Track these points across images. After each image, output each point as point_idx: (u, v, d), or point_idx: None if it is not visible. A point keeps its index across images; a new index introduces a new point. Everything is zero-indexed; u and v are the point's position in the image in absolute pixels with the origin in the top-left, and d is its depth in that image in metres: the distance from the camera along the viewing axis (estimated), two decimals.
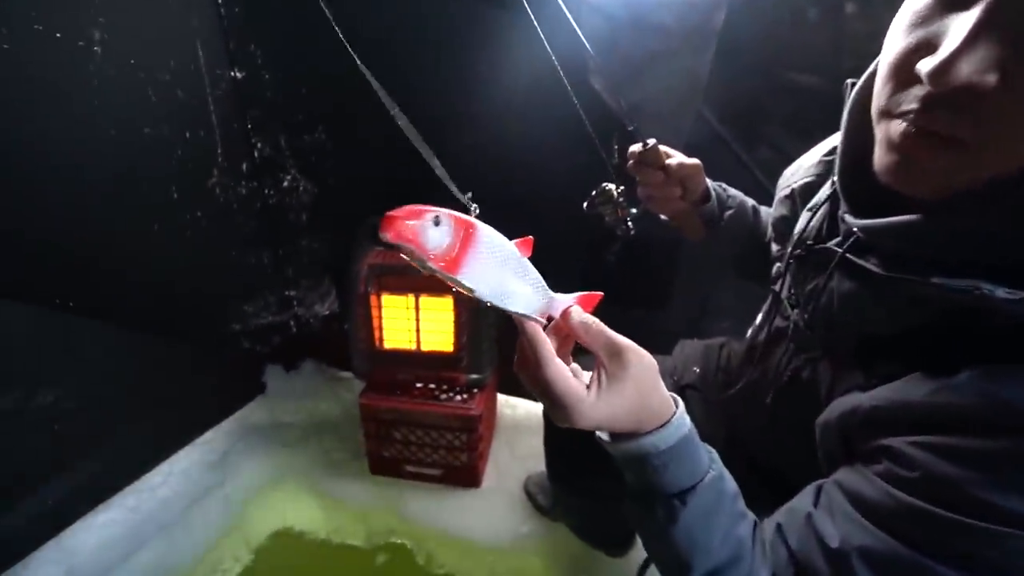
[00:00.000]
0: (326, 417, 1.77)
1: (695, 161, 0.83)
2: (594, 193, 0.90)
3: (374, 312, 1.41)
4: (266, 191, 1.55)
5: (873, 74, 0.51)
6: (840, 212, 0.58)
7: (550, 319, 0.49)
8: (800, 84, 1.09)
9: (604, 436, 0.52)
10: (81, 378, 1.28)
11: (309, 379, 1.88)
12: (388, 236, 0.38)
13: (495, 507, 1.47)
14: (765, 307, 0.79)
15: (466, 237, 0.40)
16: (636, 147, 0.82)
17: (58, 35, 1.04)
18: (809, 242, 0.64)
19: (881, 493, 0.46)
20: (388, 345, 1.45)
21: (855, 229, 0.54)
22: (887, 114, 0.47)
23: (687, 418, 0.51)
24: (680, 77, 1.17)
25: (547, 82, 1.24)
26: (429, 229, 0.39)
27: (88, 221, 1.19)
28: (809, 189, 0.70)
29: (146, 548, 1.31)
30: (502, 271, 0.43)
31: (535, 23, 0.81)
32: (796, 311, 0.68)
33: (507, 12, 1.24)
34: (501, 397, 1.77)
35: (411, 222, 0.38)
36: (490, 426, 1.62)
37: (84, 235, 1.19)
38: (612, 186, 0.89)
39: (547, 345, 0.46)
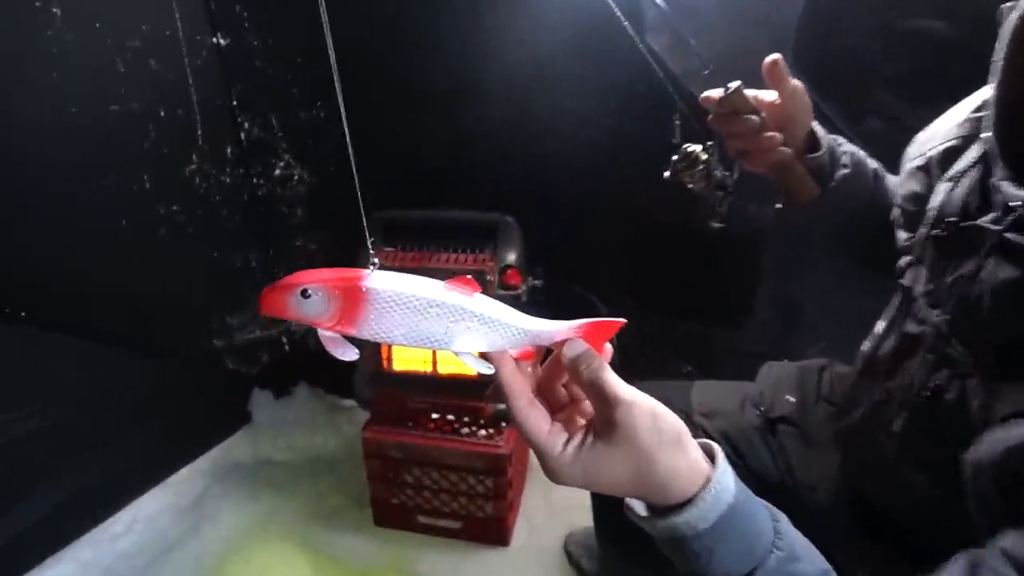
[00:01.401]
0: (322, 454, 1.76)
1: (794, 83, 0.75)
2: (675, 157, 0.86)
3: None
4: (255, 180, 1.56)
5: None
6: (994, 180, 0.54)
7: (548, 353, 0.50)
8: (920, 32, 1.03)
9: (635, 507, 0.48)
10: (31, 401, 1.28)
11: (303, 407, 1.87)
12: (263, 309, 0.43)
13: (527, 570, 1.43)
14: (891, 309, 0.73)
15: (350, 297, 0.43)
16: (714, 92, 0.76)
17: None
18: (952, 220, 0.59)
19: None
20: (398, 367, 1.43)
21: (1018, 202, 0.50)
22: None
23: (730, 482, 0.45)
24: (759, 30, 1.13)
25: (595, 43, 1.27)
26: (300, 303, 0.43)
27: (40, 215, 1.19)
28: (951, 156, 0.65)
29: None
30: (420, 316, 0.45)
31: None
32: (937, 312, 0.63)
33: None
34: None
35: (282, 297, 0.43)
36: (522, 469, 1.58)
37: (34, 232, 1.19)
38: (698, 147, 0.85)
39: (515, 380, 0.46)
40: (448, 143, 1.48)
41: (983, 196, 0.57)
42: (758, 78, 0.77)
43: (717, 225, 0.96)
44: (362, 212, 0.59)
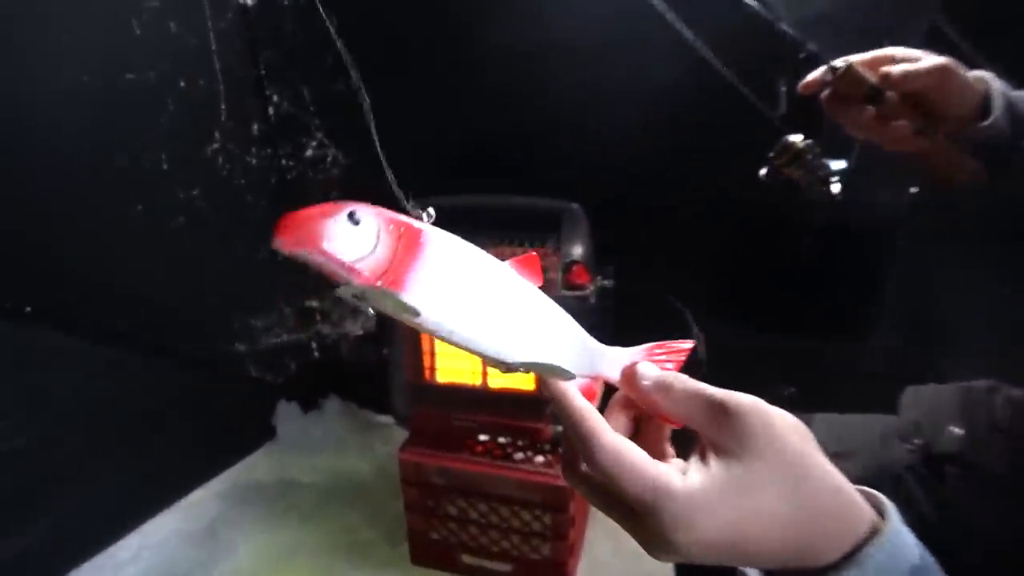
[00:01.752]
0: (353, 477, 1.72)
1: (934, 65, 0.66)
2: (772, 154, 0.80)
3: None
4: (283, 161, 1.54)
5: None
6: None
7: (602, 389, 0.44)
8: None
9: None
10: (34, 409, 1.26)
11: (333, 423, 1.85)
12: (283, 242, 0.33)
13: None
14: None
15: (407, 239, 0.35)
16: (817, 73, 0.70)
17: None
18: None
19: None
20: (442, 378, 1.37)
21: None
22: None
23: (908, 536, 0.36)
24: None
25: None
26: (344, 232, 0.34)
27: (45, 197, 1.17)
28: None
29: None
30: (480, 296, 0.37)
31: None
32: None
33: None
34: None
35: (318, 221, 0.34)
36: (585, 504, 1.48)
37: (40, 219, 1.17)
38: (797, 138, 0.78)
39: (591, 412, 0.38)
40: (506, 118, 1.44)
41: None
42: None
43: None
44: (401, 195, 0.48)
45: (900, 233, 1.24)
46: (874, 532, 0.35)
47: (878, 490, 0.82)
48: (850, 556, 0.35)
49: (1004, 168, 0.71)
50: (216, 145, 1.39)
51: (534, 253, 0.40)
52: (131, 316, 1.36)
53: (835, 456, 0.87)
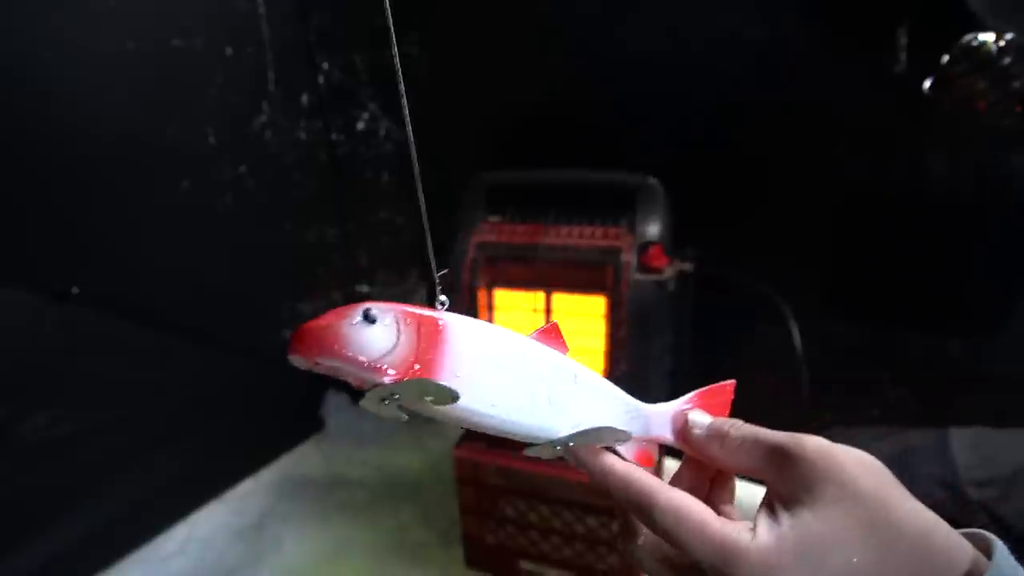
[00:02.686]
0: (405, 473, 1.71)
1: None
2: (947, 58, 0.71)
3: (482, 315, 1.31)
4: (334, 136, 1.52)
5: None
6: None
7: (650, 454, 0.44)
8: None
9: None
10: (80, 395, 1.27)
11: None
12: (300, 353, 0.34)
13: None
14: None
15: (426, 328, 0.35)
16: None
17: None
18: None
19: None
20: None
21: None
22: None
23: (1017, 567, 0.33)
24: None
25: None
26: (361, 329, 0.34)
27: (92, 172, 1.17)
28: None
29: None
30: (513, 373, 0.37)
31: None
32: None
33: None
34: (672, 464, 1.53)
35: (333, 326, 0.34)
36: None
37: (87, 193, 1.17)
38: (988, 37, 0.69)
39: (640, 473, 0.37)
40: (576, 85, 1.39)
41: None
42: None
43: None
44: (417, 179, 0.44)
45: None
46: (978, 570, 0.33)
47: None
48: None
49: None
50: (264, 118, 1.38)
51: (556, 322, 0.41)
52: (177, 299, 1.36)
53: (986, 484, 0.78)
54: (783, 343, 1.16)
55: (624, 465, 0.38)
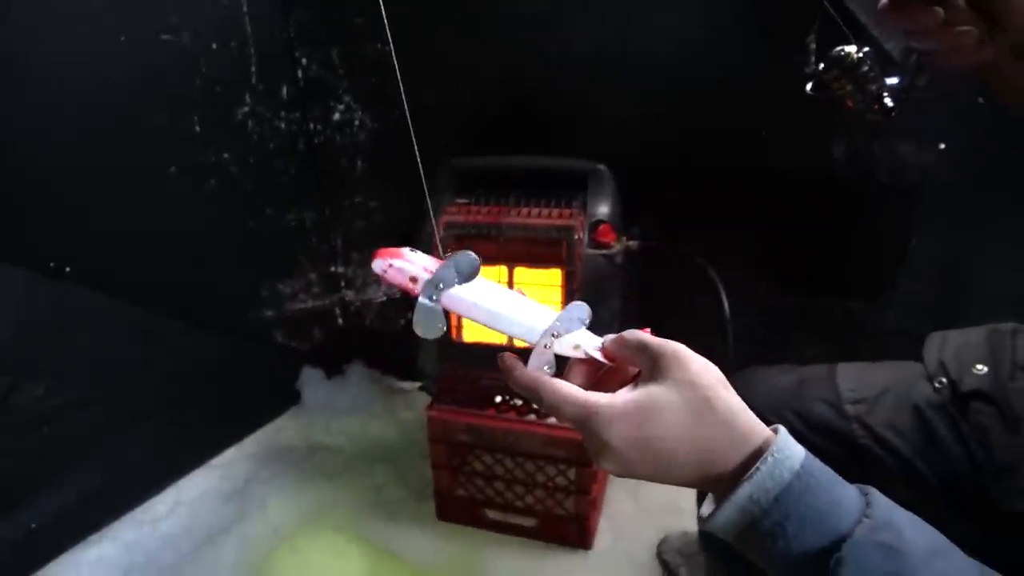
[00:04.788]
0: (379, 441, 1.75)
1: None
2: (822, 66, 0.76)
3: None
4: (312, 125, 1.55)
5: None
6: None
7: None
8: None
9: (704, 512, 0.47)
10: (73, 368, 1.29)
11: (357, 389, 1.86)
12: (383, 257, 0.52)
13: None
14: None
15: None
16: None
17: None
18: None
19: None
20: (468, 338, 1.39)
21: None
22: None
23: (795, 446, 0.45)
24: None
25: None
26: (414, 251, 0.53)
27: (84, 158, 1.19)
28: None
29: None
30: (494, 293, 0.53)
31: None
32: None
33: None
34: None
35: (400, 248, 0.53)
36: None
37: (79, 177, 1.19)
38: (851, 48, 0.75)
39: (536, 374, 0.50)
40: (530, 78, 1.44)
41: None
42: None
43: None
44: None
45: (926, 189, 1.24)
46: (767, 444, 0.44)
47: (904, 428, 0.85)
48: (748, 463, 0.44)
49: None
50: (247, 109, 1.41)
51: (521, 290, 0.55)
52: (163, 278, 1.39)
53: (861, 402, 0.89)
54: (715, 308, 1.26)
55: (524, 370, 0.51)
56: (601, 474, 1.44)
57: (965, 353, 0.85)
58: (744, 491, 0.43)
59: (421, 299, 0.51)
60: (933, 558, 0.42)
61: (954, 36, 0.64)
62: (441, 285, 0.51)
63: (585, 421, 0.45)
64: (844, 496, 0.44)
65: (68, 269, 1.22)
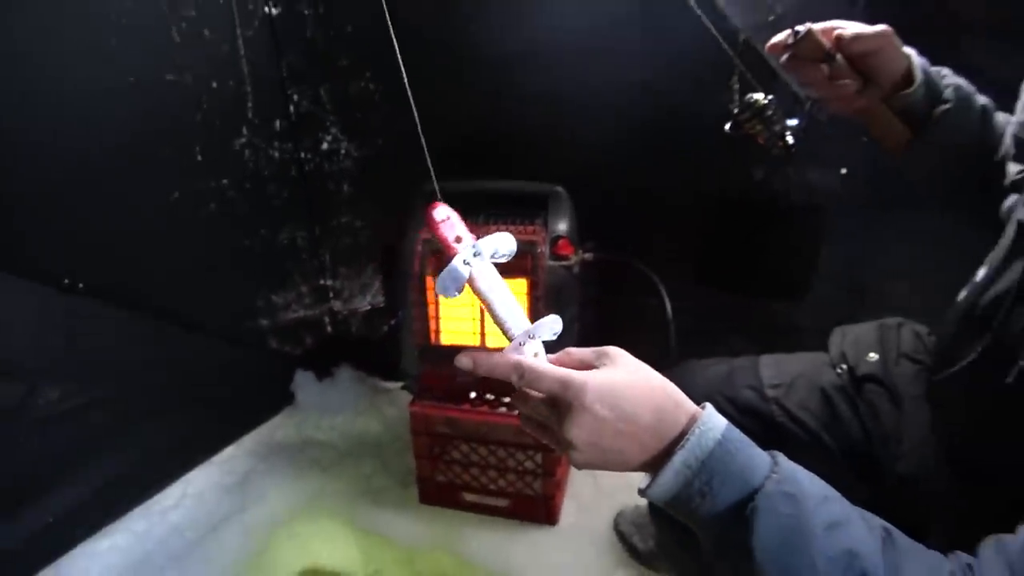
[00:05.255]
0: (366, 435, 1.75)
1: (878, 29, 0.72)
2: (737, 110, 0.82)
3: (429, 298, 1.36)
4: (303, 154, 1.55)
5: None
6: None
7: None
8: None
9: (642, 485, 0.51)
10: (85, 373, 1.29)
11: (346, 390, 1.86)
12: (442, 210, 0.54)
13: (577, 549, 1.39)
14: (1000, 250, 0.69)
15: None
16: (780, 37, 0.73)
17: None
18: None
19: None
20: (446, 340, 1.40)
21: None
22: None
23: (718, 418, 0.50)
24: None
25: (651, 5, 1.23)
26: (450, 226, 0.55)
27: (98, 185, 1.21)
28: None
29: None
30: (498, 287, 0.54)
31: None
32: None
33: None
34: None
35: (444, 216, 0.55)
36: None
37: (93, 202, 1.21)
38: (759, 96, 0.81)
39: (516, 357, 0.52)
40: (497, 113, 1.47)
41: None
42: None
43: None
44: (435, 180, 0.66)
45: (832, 207, 1.30)
46: (695, 416, 0.49)
47: (813, 407, 0.91)
48: (687, 434, 0.48)
49: (922, 131, 0.76)
50: (243, 140, 1.42)
51: None
52: (168, 292, 1.39)
53: (778, 386, 0.95)
54: (658, 310, 1.29)
55: (502, 356, 0.53)
56: (565, 458, 1.47)
57: (860, 344, 0.91)
58: (678, 458, 0.47)
59: (456, 260, 0.52)
60: (825, 502, 0.46)
61: (837, 87, 0.73)
62: (479, 254, 0.52)
63: (563, 390, 0.48)
64: (757, 456, 0.48)
65: (81, 285, 1.22)
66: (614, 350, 0.52)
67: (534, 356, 0.53)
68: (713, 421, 0.49)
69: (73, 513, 1.30)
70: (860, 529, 0.46)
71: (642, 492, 0.50)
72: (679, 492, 0.48)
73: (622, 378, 0.50)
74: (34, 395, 1.20)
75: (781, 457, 0.49)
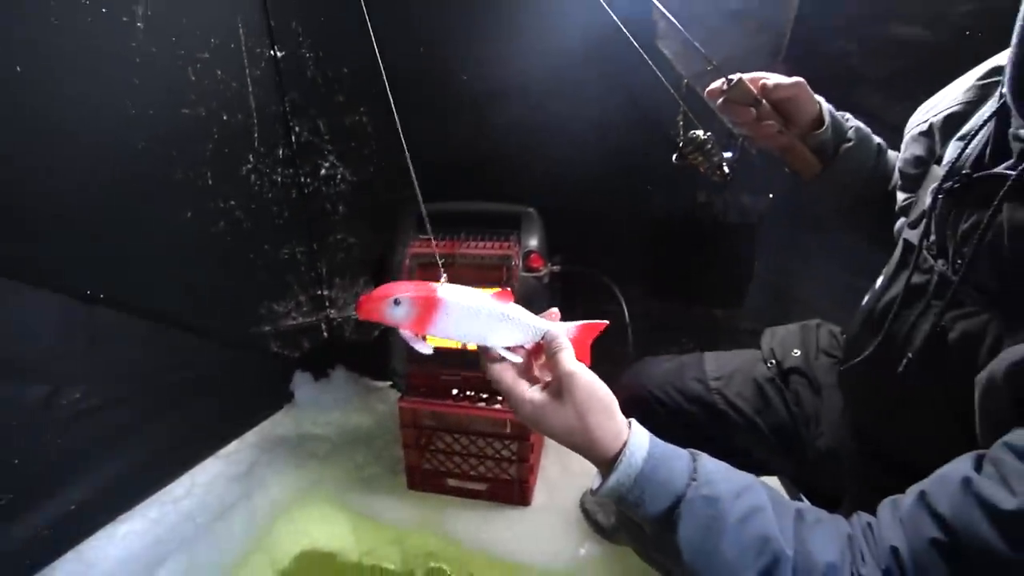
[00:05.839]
0: (358, 429, 1.75)
1: (795, 80, 0.78)
2: (681, 144, 0.88)
3: None
4: (302, 179, 1.56)
5: None
6: (1013, 130, 0.53)
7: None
8: (901, 38, 1.05)
9: (593, 487, 0.54)
10: (104, 375, 1.28)
11: (340, 388, 1.86)
12: (360, 315, 0.51)
13: (548, 527, 1.42)
14: (890, 265, 0.73)
15: (426, 309, 0.52)
16: (717, 84, 0.79)
17: (104, 9, 1.09)
18: (966, 172, 0.58)
19: None
20: (431, 343, 1.40)
21: None
22: None
23: (644, 442, 0.52)
24: (759, 38, 1.14)
25: (609, 51, 1.28)
26: (390, 309, 0.51)
27: (119, 205, 1.21)
28: (956, 120, 0.66)
29: (168, 563, 1.29)
30: (472, 322, 0.53)
31: None
32: (941, 261, 0.62)
33: None
34: None
35: (376, 305, 0.51)
36: (541, 436, 1.56)
37: (115, 220, 1.21)
38: (700, 132, 0.87)
39: (503, 371, 0.56)
40: (476, 143, 1.49)
41: (997, 147, 0.57)
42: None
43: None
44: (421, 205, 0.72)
45: (761, 226, 1.35)
46: (624, 445, 0.51)
47: (748, 396, 0.96)
48: (617, 460, 0.51)
49: (830, 164, 0.83)
50: (250, 165, 1.43)
51: (508, 289, 0.57)
52: (181, 301, 1.39)
53: (720, 379, 1.00)
54: (618, 315, 1.32)
55: (497, 369, 0.56)
56: (536, 446, 1.49)
57: (786, 342, 0.97)
58: (612, 479, 0.50)
59: (403, 332, 0.53)
60: (738, 497, 0.49)
61: (763, 127, 0.79)
62: (400, 303, 0.52)
63: (510, 392, 0.54)
64: (678, 466, 0.51)
65: (102, 296, 1.22)
66: (572, 384, 0.53)
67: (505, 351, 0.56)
68: (639, 442, 0.52)
69: (93, 501, 1.30)
70: (770, 515, 0.48)
71: (593, 493, 0.54)
72: (619, 501, 0.51)
73: (573, 384, 0.53)
74: (58, 395, 1.20)
75: (701, 460, 0.52)
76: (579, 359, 0.55)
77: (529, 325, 0.56)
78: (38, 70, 1.02)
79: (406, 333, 0.52)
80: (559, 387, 0.53)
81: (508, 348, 0.56)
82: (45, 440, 1.18)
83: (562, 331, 0.56)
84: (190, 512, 1.41)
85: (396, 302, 0.51)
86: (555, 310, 0.61)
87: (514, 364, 0.56)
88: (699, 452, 0.53)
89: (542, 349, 0.57)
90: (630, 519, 1.15)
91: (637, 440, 0.52)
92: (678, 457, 0.52)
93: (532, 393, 0.54)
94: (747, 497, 0.49)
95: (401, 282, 0.53)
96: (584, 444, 0.52)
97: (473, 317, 0.54)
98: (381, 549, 1.43)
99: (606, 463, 0.52)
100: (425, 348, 0.54)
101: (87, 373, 1.25)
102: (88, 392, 1.25)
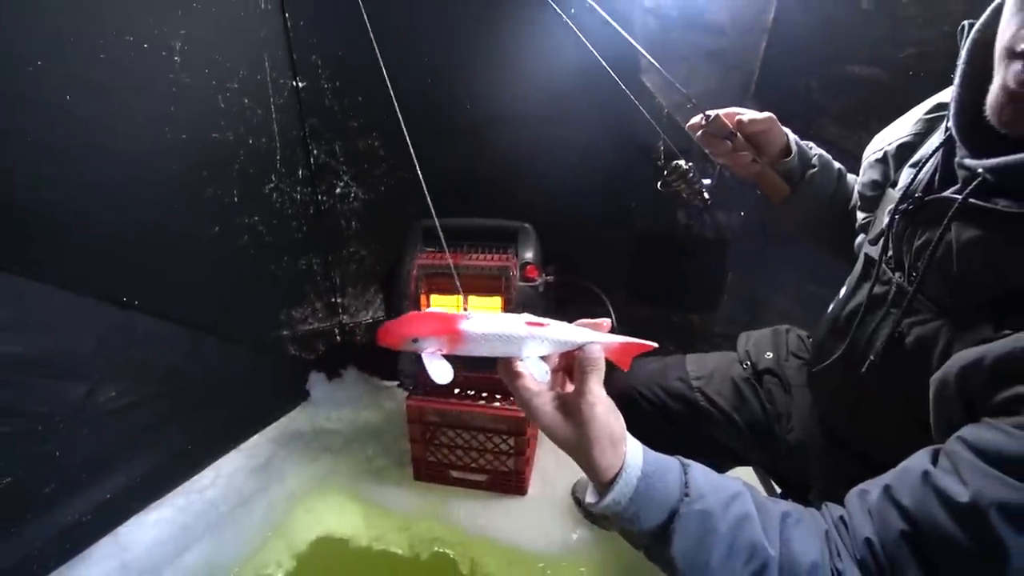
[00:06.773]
0: (369, 425, 1.74)
1: (766, 115, 0.81)
2: (665, 172, 0.90)
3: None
4: (319, 197, 1.56)
5: (996, 12, 0.49)
6: (958, 159, 0.55)
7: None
8: (856, 76, 1.08)
9: (590, 501, 0.51)
10: (138, 375, 1.28)
11: (352, 387, 1.85)
12: (379, 343, 0.48)
13: (543, 514, 1.41)
14: (852, 277, 0.75)
15: (451, 339, 0.48)
16: (696, 119, 0.81)
17: (145, 45, 1.10)
18: (919, 195, 0.60)
19: (1021, 444, 0.41)
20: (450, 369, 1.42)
21: (980, 170, 0.51)
22: (1010, 53, 0.45)
23: (638, 463, 0.49)
24: (731, 75, 1.16)
25: (597, 83, 1.29)
26: (411, 345, 0.48)
27: (154, 221, 1.22)
28: (907, 149, 0.68)
29: (194, 547, 1.29)
30: (497, 344, 0.49)
31: (572, 27, 0.82)
32: (898, 274, 0.63)
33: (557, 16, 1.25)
34: None
35: (396, 341, 0.48)
36: (536, 431, 1.57)
37: (150, 235, 1.21)
38: (682, 161, 0.89)
39: (519, 376, 0.51)
40: (477, 165, 1.50)
41: (946, 173, 0.59)
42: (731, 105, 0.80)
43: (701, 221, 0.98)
44: (436, 219, 0.67)
45: (735, 241, 1.37)
46: (621, 469, 0.48)
47: (726, 394, 0.97)
48: (613, 482, 0.48)
49: (797, 188, 0.85)
50: (272, 185, 1.43)
51: (545, 321, 0.50)
52: (207, 308, 1.39)
53: (701, 378, 1.00)
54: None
55: (516, 377, 0.51)
56: (533, 441, 1.49)
57: (760, 345, 0.98)
58: (609, 497, 0.48)
59: (425, 357, 0.48)
60: (727, 508, 0.48)
61: (738, 156, 0.81)
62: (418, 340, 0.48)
63: (526, 390, 0.50)
64: (671, 480, 0.49)
65: (137, 303, 1.22)
66: (583, 407, 0.49)
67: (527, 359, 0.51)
68: (635, 463, 0.49)
69: (127, 490, 1.30)
70: (757, 522, 0.48)
71: (591, 506, 0.51)
72: (615, 516, 0.49)
73: (584, 400, 0.49)
74: (95, 394, 1.19)
75: (692, 472, 0.50)
76: (617, 364, 0.53)
77: (563, 342, 0.51)
78: (88, 100, 1.03)
79: (426, 360, 0.48)
80: (575, 407, 0.49)
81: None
82: (84, 434, 1.18)
83: (600, 349, 0.51)
84: (214, 501, 1.41)
85: (415, 341, 0.48)
86: (607, 321, 0.54)
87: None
88: (688, 461, 0.52)
89: (574, 358, 0.52)
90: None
91: (632, 460, 0.49)
92: (670, 470, 0.50)
93: (545, 398, 0.50)
94: (735, 507, 0.48)
95: (424, 314, 0.48)
96: (583, 462, 0.50)
97: (500, 340, 0.49)
98: (390, 535, 1.42)
99: (602, 483, 0.50)
100: (443, 378, 0.48)
101: (123, 373, 1.24)
102: (123, 391, 1.25)
